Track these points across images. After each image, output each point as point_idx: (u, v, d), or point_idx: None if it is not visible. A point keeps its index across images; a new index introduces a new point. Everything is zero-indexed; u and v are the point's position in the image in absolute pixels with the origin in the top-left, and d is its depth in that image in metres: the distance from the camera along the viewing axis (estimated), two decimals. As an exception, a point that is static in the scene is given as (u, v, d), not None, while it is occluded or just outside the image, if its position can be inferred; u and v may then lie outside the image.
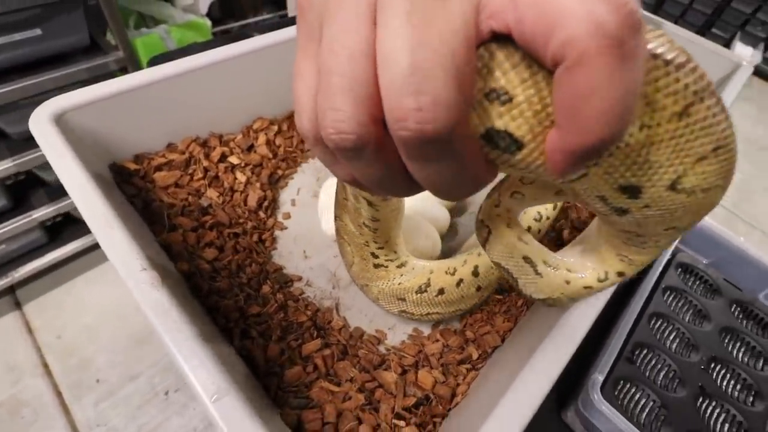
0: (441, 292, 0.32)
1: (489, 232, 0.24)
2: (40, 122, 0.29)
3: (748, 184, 1.49)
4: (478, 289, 0.32)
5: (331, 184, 0.41)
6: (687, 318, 0.42)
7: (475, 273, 0.32)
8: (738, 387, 0.37)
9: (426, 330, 0.35)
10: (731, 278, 0.45)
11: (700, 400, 0.36)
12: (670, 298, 0.43)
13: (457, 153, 0.11)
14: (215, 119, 0.42)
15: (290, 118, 0.48)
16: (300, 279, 0.37)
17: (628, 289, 0.42)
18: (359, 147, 0.12)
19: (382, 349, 0.33)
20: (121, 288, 1.04)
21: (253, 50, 0.40)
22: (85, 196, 0.26)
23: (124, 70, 0.80)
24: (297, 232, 0.40)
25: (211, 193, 0.38)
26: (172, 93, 0.37)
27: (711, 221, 0.45)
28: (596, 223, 0.22)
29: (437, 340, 0.34)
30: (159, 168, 0.37)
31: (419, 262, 0.34)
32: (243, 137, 0.43)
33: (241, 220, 0.38)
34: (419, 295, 0.32)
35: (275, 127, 0.45)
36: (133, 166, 0.36)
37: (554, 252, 0.24)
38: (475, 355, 0.33)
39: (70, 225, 0.95)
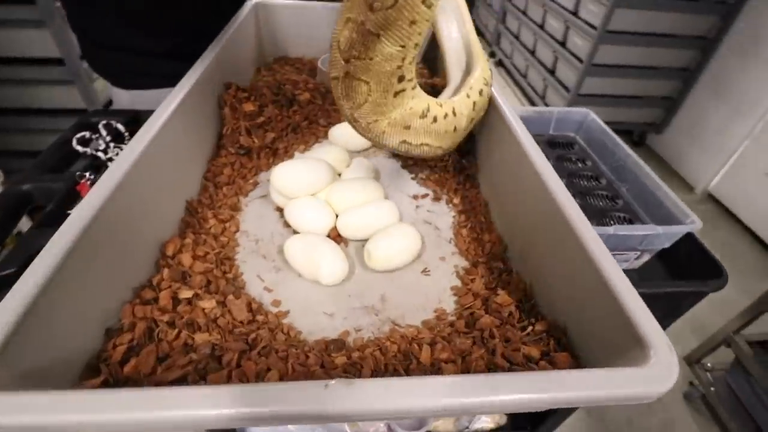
0: (435, 120, 0.39)
1: None
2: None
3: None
4: (455, 129, 0.42)
5: (293, 247, 0.40)
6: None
7: (454, 113, 0.41)
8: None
9: (458, 283, 0.41)
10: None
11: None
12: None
13: None
14: (130, 272, 0.33)
15: (189, 228, 0.42)
16: (348, 333, 0.36)
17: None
18: None
19: (453, 317, 0.37)
20: None
21: (116, 189, 0.33)
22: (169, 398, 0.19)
23: None
24: (301, 306, 0.38)
25: (202, 338, 0.32)
26: (72, 283, 0.28)
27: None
28: None
29: (472, 280, 0.40)
30: (125, 361, 0.28)
31: (419, 88, 0.39)
32: (169, 270, 0.36)
33: (253, 335, 0.33)
34: (421, 120, 0.38)
35: (188, 241, 0.39)
36: (97, 382, 0.26)
37: None
38: (501, 265, 0.40)
39: None
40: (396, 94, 0.35)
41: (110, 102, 1.28)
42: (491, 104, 0.47)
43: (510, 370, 0.29)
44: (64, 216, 0.47)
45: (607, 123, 0.68)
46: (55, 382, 0.25)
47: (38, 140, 1.15)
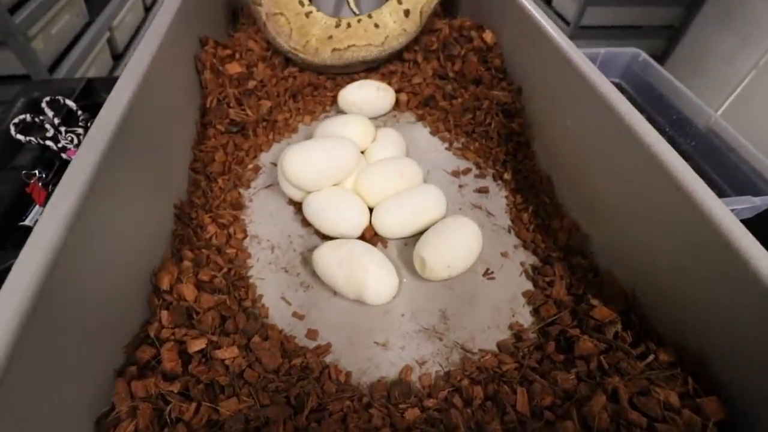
0: (349, 25, 0.45)
1: None
2: None
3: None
4: (376, 26, 0.46)
5: (326, 259, 0.31)
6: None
7: (369, 16, 0.46)
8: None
9: (530, 286, 0.33)
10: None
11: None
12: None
13: None
14: (117, 323, 0.24)
15: (185, 244, 0.32)
16: (410, 368, 0.28)
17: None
18: None
19: (535, 335, 0.30)
20: None
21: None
22: None
23: None
24: (345, 336, 0.30)
25: (230, 406, 0.23)
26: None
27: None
28: None
29: (550, 283, 0.33)
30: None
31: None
32: (169, 312, 0.27)
33: (295, 391, 0.25)
34: (337, 28, 0.45)
35: (186, 264, 0.30)
36: None
37: None
38: (584, 261, 0.33)
39: None
40: (307, 15, 0.45)
41: (55, 63, 1.08)
42: (555, 55, 0.37)
43: (650, 428, 0.22)
44: (15, 230, 0.36)
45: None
46: None
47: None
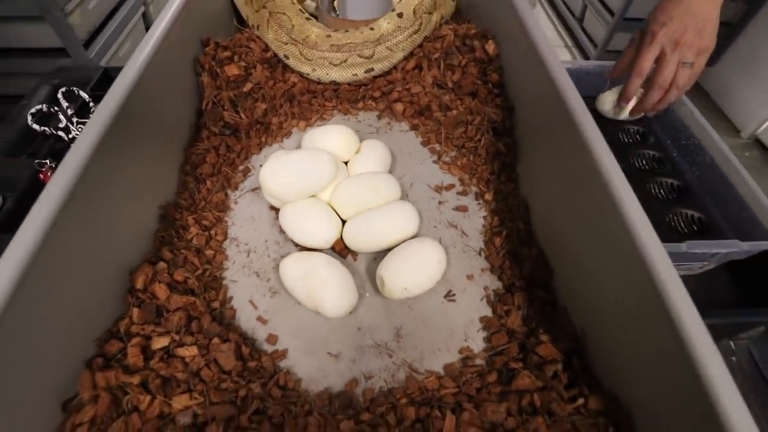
0: (346, 31, 0.48)
1: None
2: None
3: None
4: (372, 28, 0.48)
5: (289, 272, 0.33)
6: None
7: (366, 25, 0.49)
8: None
9: (488, 312, 0.34)
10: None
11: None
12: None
13: None
14: (92, 318, 0.27)
15: (165, 246, 0.34)
16: (357, 381, 0.30)
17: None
18: None
19: (482, 362, 0.31)
20: None
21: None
22: None
23: None
24: (302, 344, 0.32)
25: (182, 402, 0.26)
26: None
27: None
28: None
29: (507, 312, 0.33)
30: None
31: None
32: (140, 310, 0.30)
33: (243, 392, 0.28)
34: (335, 32, 0.48)
35: (161, 266, 0.32)
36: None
37: None
38: (544, 294, 0.33)
39: None
40: (307, 19, 0.49)
41: (91, 38, 1.14)
42: (542, 75, 0.36)
43: None
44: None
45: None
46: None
47: (15, 83, 1.04)
